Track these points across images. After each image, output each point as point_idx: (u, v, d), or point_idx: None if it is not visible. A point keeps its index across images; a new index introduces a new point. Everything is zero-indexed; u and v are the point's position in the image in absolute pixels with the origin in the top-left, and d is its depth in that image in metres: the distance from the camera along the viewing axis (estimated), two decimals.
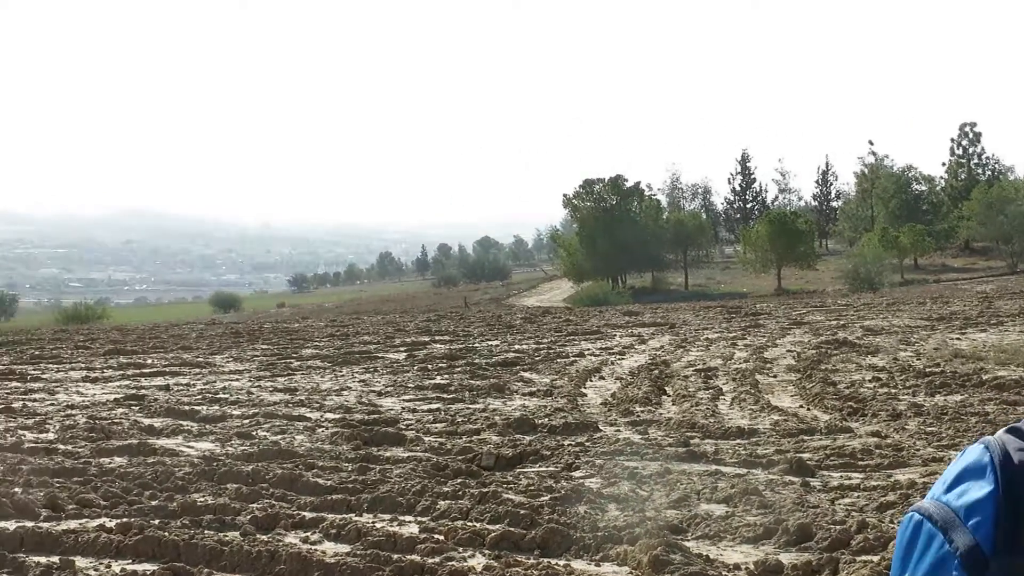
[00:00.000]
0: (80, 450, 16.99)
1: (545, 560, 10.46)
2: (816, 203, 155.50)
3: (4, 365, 31.35)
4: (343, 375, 27.18)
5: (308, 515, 12.36)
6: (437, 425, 18.76)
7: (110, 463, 15.86)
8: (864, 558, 9.93)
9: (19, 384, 26.76)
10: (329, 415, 20.36)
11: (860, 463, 14.53)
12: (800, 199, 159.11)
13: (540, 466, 15.04)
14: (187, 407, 21.53)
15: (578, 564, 10.36)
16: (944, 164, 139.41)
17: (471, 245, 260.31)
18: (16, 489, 14.07)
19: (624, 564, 10.22)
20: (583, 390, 23.10)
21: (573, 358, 29.35)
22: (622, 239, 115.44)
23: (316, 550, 10.85)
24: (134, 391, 24.62)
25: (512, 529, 11.26)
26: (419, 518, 12.18)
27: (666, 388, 22.91)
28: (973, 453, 1.92)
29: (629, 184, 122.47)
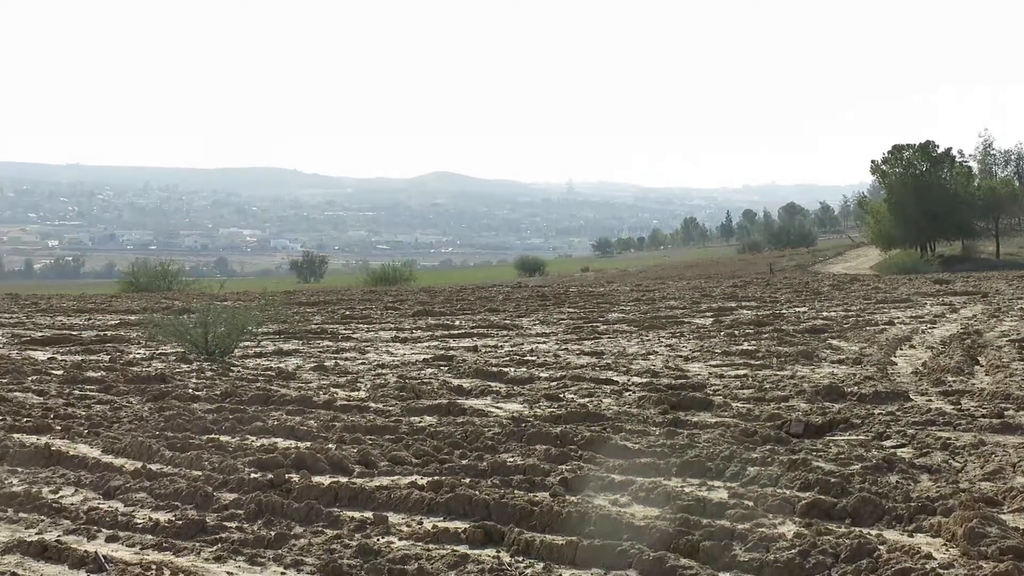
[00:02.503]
0: (391, 408, 17.31)
1: (856, 529, 10.23)
2: None
3: (317, 324, 32.17)
4: (649, 339, 27.13)
5: (617, 478, 12.33)
6: (745, 391, 18.54)
7: (420, 422, 16.12)
8: None
9: (331, 343, 27.43)
10: (636, 379, 20.32)
11: None
12: None
13: (850, 434, 14.73)
14: (495, 368, 21.76)
15: (890, 534, 10.10)
16: None
17: (776, 211, 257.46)
18: (330, 445, 14.39)
19: (938, 536, 9.93)
20: (893, 359, 22.58)
21: (882, 326, 28.75)
22: (931, 206, 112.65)
23: (625, 512, 10.81)
24: (443, 352, 25.01)
25: (823, 497, 11.04)
26: (728, 483, 12.03)
27: (979, 358, 22.23)
28: None
29: (940, 150, 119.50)
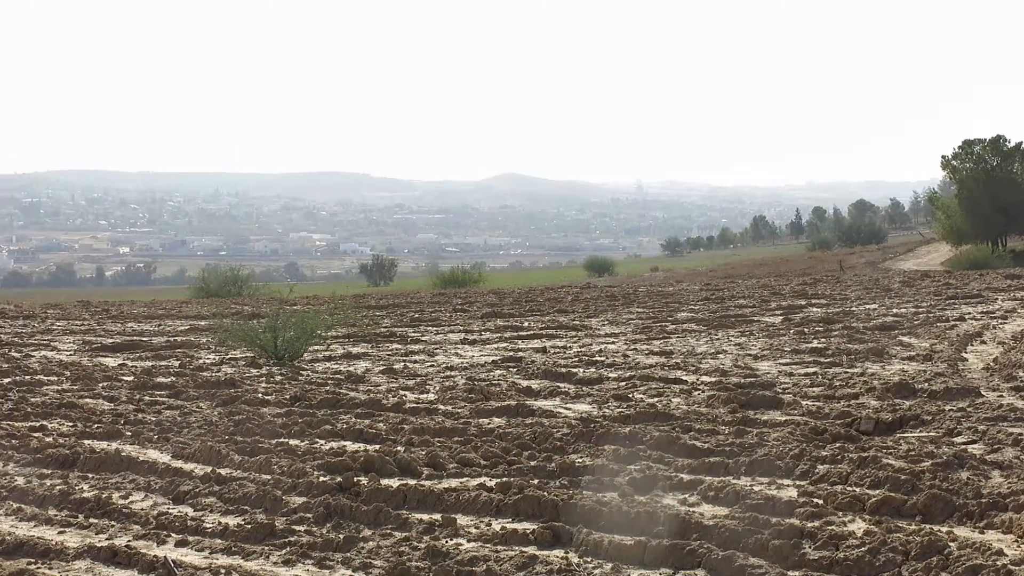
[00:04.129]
0: (460, 411, 17.34)
1: (927, 526, 10.16)
2: None
3: (386, 327, 32.27)
4: (718, 338, 27.02)
5: (686, 477, 12.30)
6: (814, 389, 18.44)
7: (489, 423, 16.13)
8: None
9: (400, 346, 27.48)
10: (705, 378, 20.25)
11: None
12: None
13: (920, 431, 14.62)
14: (564, 369, 21.74)
15: (961, 531, 10.03)
16: None
17: (846, 208, 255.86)
18: (399, 448, 14.43)
19: (1009, 532, 9.85)
20: (964, 355, 22.37)
21: (953, 322, 28.50)
22: (1003, 201, 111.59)
23: (694, 512, 10.79)
24: (511, 353, 25.00)
25: (893, 494, 10.97)
26: (798, 482, 11.98)
27: None
28: None
29: (1011, 144, 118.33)
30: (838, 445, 13.64)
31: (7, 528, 11.37)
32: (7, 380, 22.02)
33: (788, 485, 11.86)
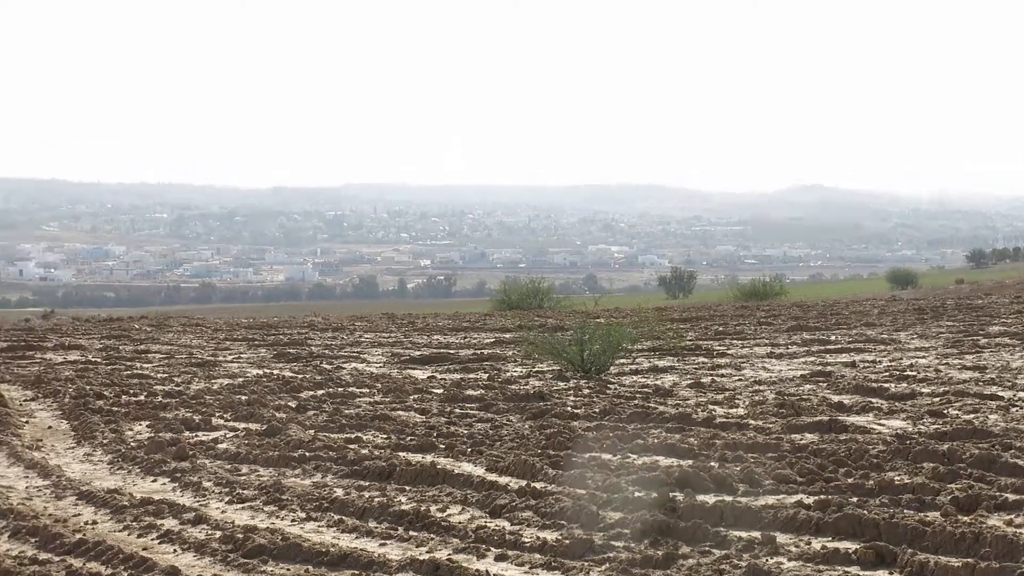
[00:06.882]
0: (771, 426, 17.16)
1: None
2: None
3: (690, 340, 32.14)
4: None
5: (1011, 497, 11.95)
6: None
7: (801, 439, 15.92)
8: None
9: (706, 360, 27.34)
10: (1022, 394, 19.66)
11: None
12: None
13: None
14: (875, 384, 21.35)
15: None
16: None
17: None
18: (713, 463, 14.34)
19: None
20: None
21: None
22: None
23: (1022, 533, 10.46)
24: (820, 367, 24.66)
25: None
26: None
27: None
28: None
29: None
30: None
31: (330, 539, 11.63)
32: (321, 392, 22.61)
33: None
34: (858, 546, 10.39)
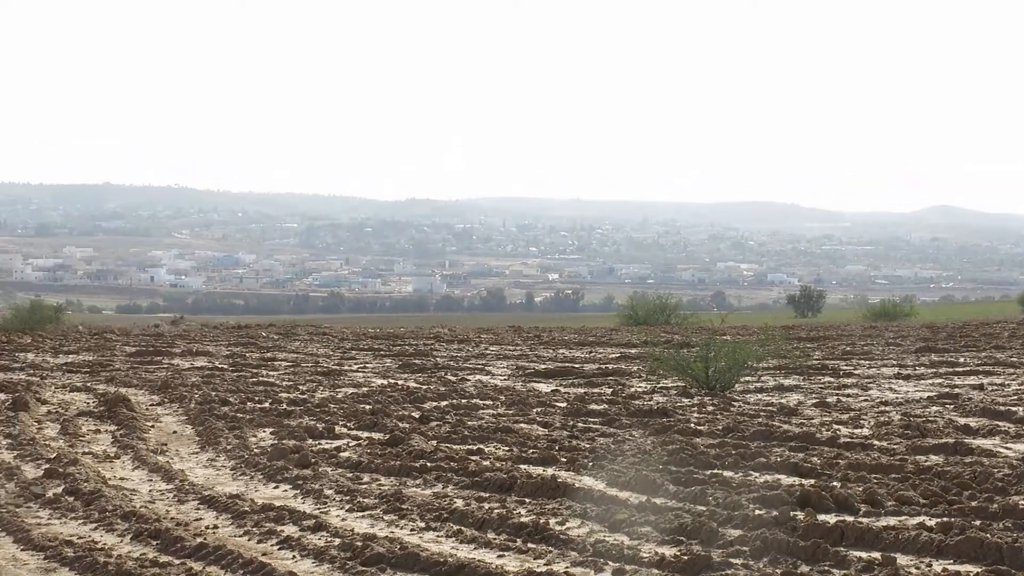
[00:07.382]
0: (896, 447, 17.00)
1: None
2: None
3: (817, 360, 31.89)
4: None
5: None
6: None
7: (926, 461, 15.76)
8: None
9: (832, 379, 27.11)
10: None
11: None
12: None
13: None
14: (1003, 407, 21.06)
15: None
16: None
17: None
18: (835, 483, 14.23)
19: None
20: None
21: None
22: None
23: None
24: (947, 389, 24.38)
25: None
26: None
27: None
28: None
29: None
30: None
31: (448, 549, 11.69)
32: (444, 403, 22.78)
33: None
34: (980, 569, 10.27)
